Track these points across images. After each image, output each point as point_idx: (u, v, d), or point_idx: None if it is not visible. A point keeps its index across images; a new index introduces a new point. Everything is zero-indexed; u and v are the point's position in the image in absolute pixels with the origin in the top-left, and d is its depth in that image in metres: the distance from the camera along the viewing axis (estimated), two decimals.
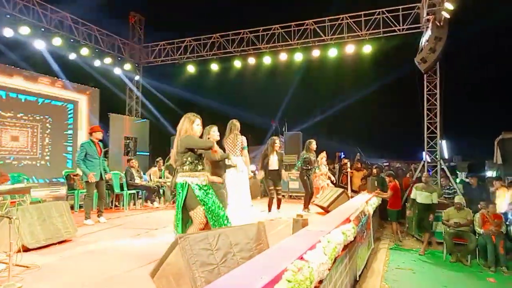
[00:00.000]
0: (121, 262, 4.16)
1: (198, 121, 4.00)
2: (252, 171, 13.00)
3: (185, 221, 3.93)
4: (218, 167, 5.38)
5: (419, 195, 7.55)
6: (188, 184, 3.78)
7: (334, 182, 9.59)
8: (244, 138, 6.20)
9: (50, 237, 4.82)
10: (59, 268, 3.98)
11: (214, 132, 5.50)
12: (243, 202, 6.18)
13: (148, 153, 13.91)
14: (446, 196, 8.97)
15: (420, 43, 10.47)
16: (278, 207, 7.36)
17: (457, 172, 15.62)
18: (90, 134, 7.00)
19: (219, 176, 5.40)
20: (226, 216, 3.92)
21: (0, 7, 9.50)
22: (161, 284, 2.95)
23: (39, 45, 10.54)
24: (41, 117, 10.55)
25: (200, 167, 3.91)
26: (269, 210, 7.28)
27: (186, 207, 3.84)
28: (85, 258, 4.41)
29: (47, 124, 10.68)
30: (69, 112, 11.40)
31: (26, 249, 4.36)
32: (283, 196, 7.56)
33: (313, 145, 8.28)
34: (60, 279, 3.64)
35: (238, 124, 6.23)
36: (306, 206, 8.01)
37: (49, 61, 11.27)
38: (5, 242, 3.37)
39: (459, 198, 7.49)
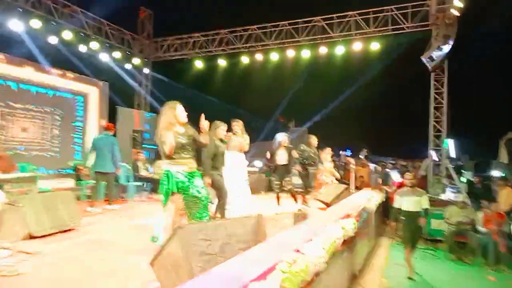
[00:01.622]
0: (123, 252, 4.26)
1: (180, 107, 4.01)
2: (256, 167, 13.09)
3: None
4: (217, 160, 5.44)
5: (406, 201, 6.01)
6: (170, 172, 3.87)
7: (338, 178, 9.62)
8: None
9: (55, 226, 4.95)
10: (62, 256, 4.08)
11: (222, 130, 5.59)
12: (244, 195, 6.29)
13: (156, 146, 14.01)
14: (450, 194, 8.95)
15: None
16: (295, 200, 7.53)
17: (463, 171, 15.49)
18: (111, 129, 7.66)
19: (216, 168, 5.43)
20: (205, 206, 3.96)
21: (12, 1, 9.65)
22: (160, 273, 3.04)
23: (52, 39, 10.75)
24: (51, 109, 10.68)
25: (185, 155, 3.95)
26: (278, 203, 7.39)
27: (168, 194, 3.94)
28: (88, 247, 4.51)
29: (57, 116, 10.81)
30: (78, 104, 11.52)
31: (32, 237, 4.48)
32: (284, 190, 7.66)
33: (312, 140, 8.30)
34: (63, 266, 3.74)
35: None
36: (304, 200, 8.13)
37: (60, 54, 11.42)
38: (12, 230, 3.48)
39: (463, 197, 7.47)
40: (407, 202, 5.97)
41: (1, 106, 9.53)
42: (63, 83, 11.00)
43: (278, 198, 7.44)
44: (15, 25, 9.67)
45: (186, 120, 4.03)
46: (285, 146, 7.40)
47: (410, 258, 5.96)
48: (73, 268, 3.71)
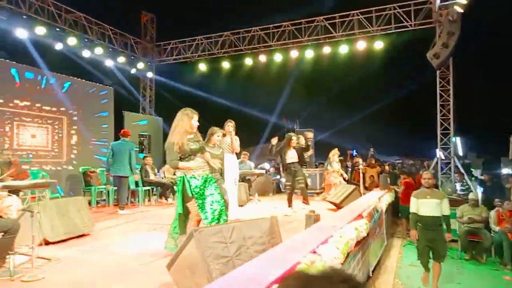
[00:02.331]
0: (138, 255, 4.27)
1: (196, 117, 3.98)
2: (264, 169, 13.07)
3: (185, 215, 3.97)
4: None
5: (423, 204, 5.08)
6: (185, 178, 3.83)
7: (347, 179, 9.61)
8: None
9: (69, 231, 4.98)
10: (78, 261, 4.11)
11: (217, 136, 5.57)
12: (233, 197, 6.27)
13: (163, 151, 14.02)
14: (460, 193, 8.90)
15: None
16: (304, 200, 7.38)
17: (472, 169, 15.42)
18: (128, 135, 7.95)
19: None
20: (222, 211, 3.91)
21: (16, 8, 9.69)
22: (177, 276, 3.04)
23: (57, 46, 10.79)
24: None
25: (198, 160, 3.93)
26: (289, 205, 7.33)
27: (184, 200, 3.89)
28: (103, 252, 4.52)
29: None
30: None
31: (47, 243, 4.52)
32: (296, 193, 7.60)
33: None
34: (80, 271, 3.75)
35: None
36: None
37: (64, 60, 11.44)
38: (27, 236, 3.50)
39: (473, 195, 7.40)
40: (425, 205, 5.09)
41: None
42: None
43: (289, 199, 7.39)
44: (20, 32, 9.70)
45: (195, 130, 4.01)
46: (294, 147, 7.39)
47: (428, 277, 5.13)
48: (90, 272, 3.72)
